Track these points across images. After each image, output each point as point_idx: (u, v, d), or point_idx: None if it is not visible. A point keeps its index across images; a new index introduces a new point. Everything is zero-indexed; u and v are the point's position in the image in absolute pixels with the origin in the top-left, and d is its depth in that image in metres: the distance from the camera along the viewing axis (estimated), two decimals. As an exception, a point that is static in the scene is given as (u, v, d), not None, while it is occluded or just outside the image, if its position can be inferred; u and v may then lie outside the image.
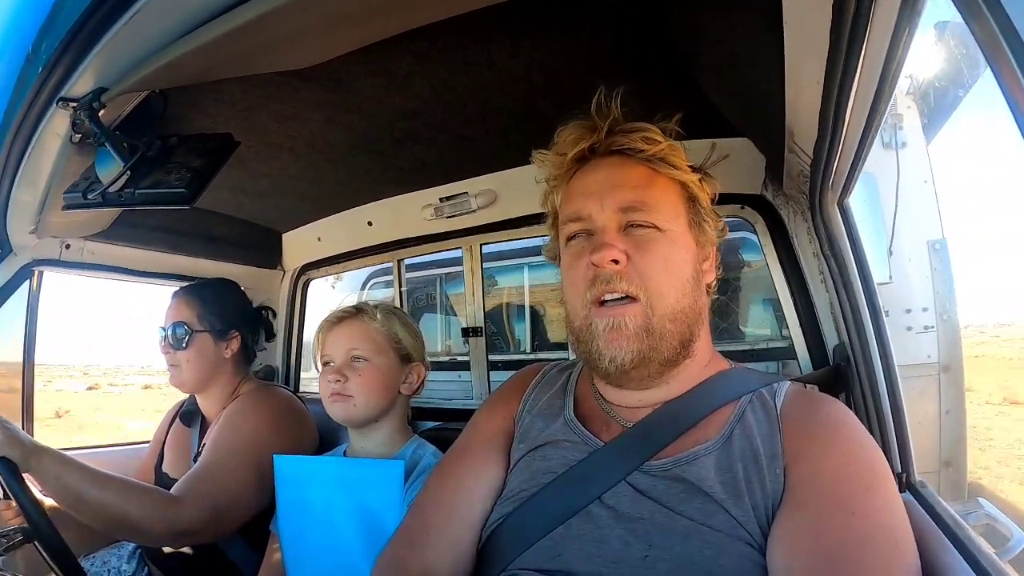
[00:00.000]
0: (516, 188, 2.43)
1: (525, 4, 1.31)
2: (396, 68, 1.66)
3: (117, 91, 1.39)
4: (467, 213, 2.58)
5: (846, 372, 1.75)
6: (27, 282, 2.59)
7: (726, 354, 1.45)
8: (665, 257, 1.27)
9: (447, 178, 2.52)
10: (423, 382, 1.96)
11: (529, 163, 2.18)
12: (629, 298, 1.23)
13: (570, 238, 1.34)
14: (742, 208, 2.07)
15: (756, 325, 3.34)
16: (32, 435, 2.59)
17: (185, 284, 2.43)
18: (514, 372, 1.68)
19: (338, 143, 2.14)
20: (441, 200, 2.60)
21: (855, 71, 1.04)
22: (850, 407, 1.34)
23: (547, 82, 1.74)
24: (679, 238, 1.30)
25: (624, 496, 1.22)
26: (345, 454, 1.96)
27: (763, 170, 1.97)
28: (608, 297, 1.24)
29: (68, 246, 2.54)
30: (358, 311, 1.91)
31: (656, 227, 1.27)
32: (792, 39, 1.14)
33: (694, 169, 1.37)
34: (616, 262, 1.23)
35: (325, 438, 2.31)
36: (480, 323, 2.87)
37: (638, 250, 1.25)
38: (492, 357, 2.96)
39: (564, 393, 1.49)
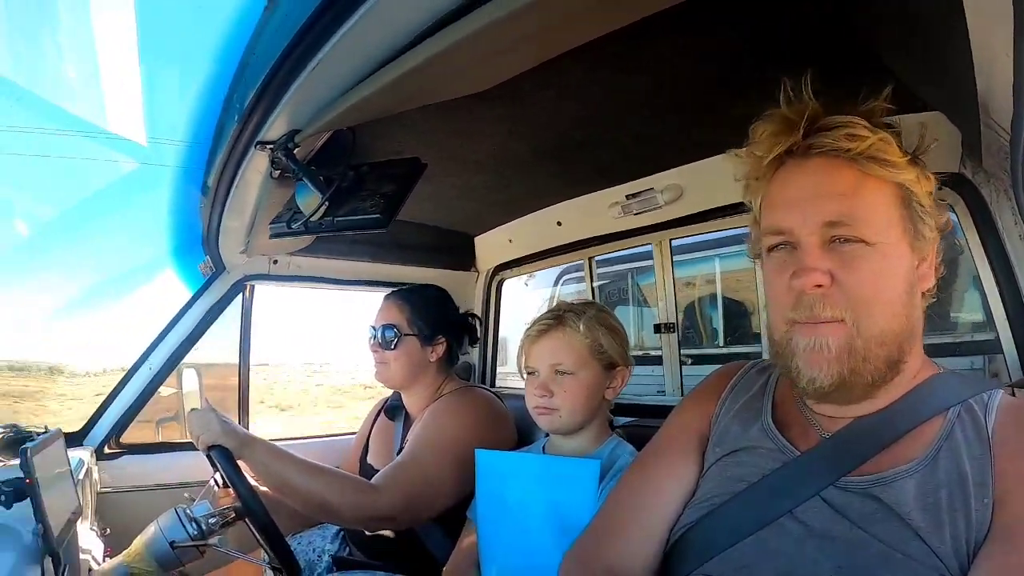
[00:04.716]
0: (702, 181, 2.34)
1: (691, 4, 1.27)
2: (568, 79, 1.66)
3: (309, 132, 1.48)
4: (654, 209, 2.52)
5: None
6: (240, 295, 2.92)
7: (924, 348, 1.29)
8: (875, 275, 1.14)
9: (631, 176, 2.47)
10: (627, 382, 1.93)
11: (713, 155, 2.12)
12: (834, 320, 1.12)
13: (771, 248, 1.23)
14: (940, 189, 1.90)
15: (958, 316, 3.08)
16: (248, 424, 2.95)
17: (395, 288, 2.52)
18: (712, 369, 1.59)
19: (520, 152, 2.16)
20: (627, 197, 2.55)
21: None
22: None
23: (721, 75, 1.67)
24: (891, 250, 1.16)
25: (817, 511, 1.15)
26: (544, 449, 1.97)
27: (960, 145, 1.81)
28: (811, 322, 1.14)
29: (276, 262, 2.77)
30: (560, 321, 1.87)
31: (864, 241, 1.13)
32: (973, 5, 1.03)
33: (911, 158, 1.20)
34: (820, 285, 1.12)
35: (524, 433, 2.34)
36: (672, 319, 2.81)
37: (844, 268, 1.13)
38: (685, 351, 2.90)
39: (763, 396, 1.40)
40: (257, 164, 1.68)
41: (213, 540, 1.86)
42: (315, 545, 2.45)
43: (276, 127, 1.48)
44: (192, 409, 2.01)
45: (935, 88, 1.60)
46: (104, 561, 1.96)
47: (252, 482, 1.87)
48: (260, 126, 1.49)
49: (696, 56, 1.58)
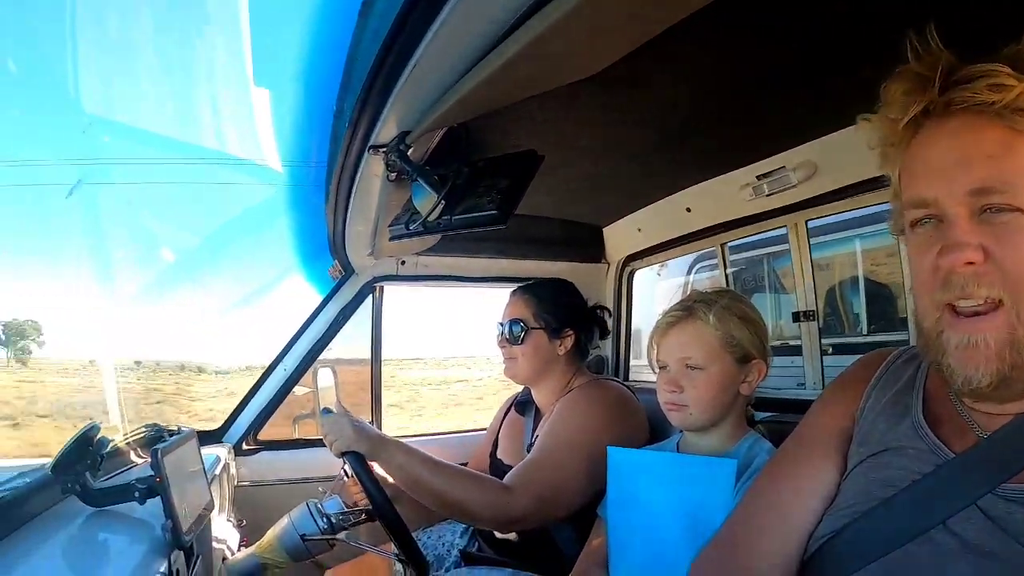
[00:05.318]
0: (838, 155, 2.15)
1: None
2: (682, 58, 1.58)
3: (419, 132, 1.48)
4: (787, 189, 2.37)
5: None
6: (370, 296, 3.04)
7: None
8: None
9: (761, 154, 2.33)
10: (764, 377, 1.84)
11: (848, 125, 1.96)
12: (990, 303, 0.97)
13: (914, 224, 1.08)
14: None
15: None
16: (381, 422, 3.10)
17: (520, 284, 2.53)
18: (855, 359, 1.45)
19: (642, 137, 2.10)
20: (758, 178, 2.42)
21: None
22: None
23: (852, 35, 1.51)
24: None
25: (973, 523, 1.01)
26: (678, 446, 1.91)
27: None
28: (963, 304, 0.99)
29: (403, 262, 2.85)
30: (690, 313, 1.80)
31: (1021, 210, 0.96)
32: None
33: None
34: (972, 263, 0.97)
35: (657, 428, 2.27)
36: (811, 306, 2.67)
37: (1000, 243, 0.97)
38: (826, 341, 2.74)
39: (912, 388, 1.24)
40: (373, 168, 1.71)
41: (342, 535, 1.96)
42: (445, 539, 2.48)
43: (386, 130, 1.49)
44: (324, 409, 2.07)
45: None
46: (239, 551, 2.10)
47: (381, 473, 1.95)
48: (370, 131, 1.50)
49: (818, 18, 1.45)
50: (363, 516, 1.99)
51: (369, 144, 1.55)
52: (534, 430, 2.41)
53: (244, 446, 2.92)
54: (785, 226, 2.64)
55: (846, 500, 1.19)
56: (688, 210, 2.78)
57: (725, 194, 2.57)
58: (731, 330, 1.75)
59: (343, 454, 1.92)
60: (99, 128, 2.46)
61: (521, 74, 1.25)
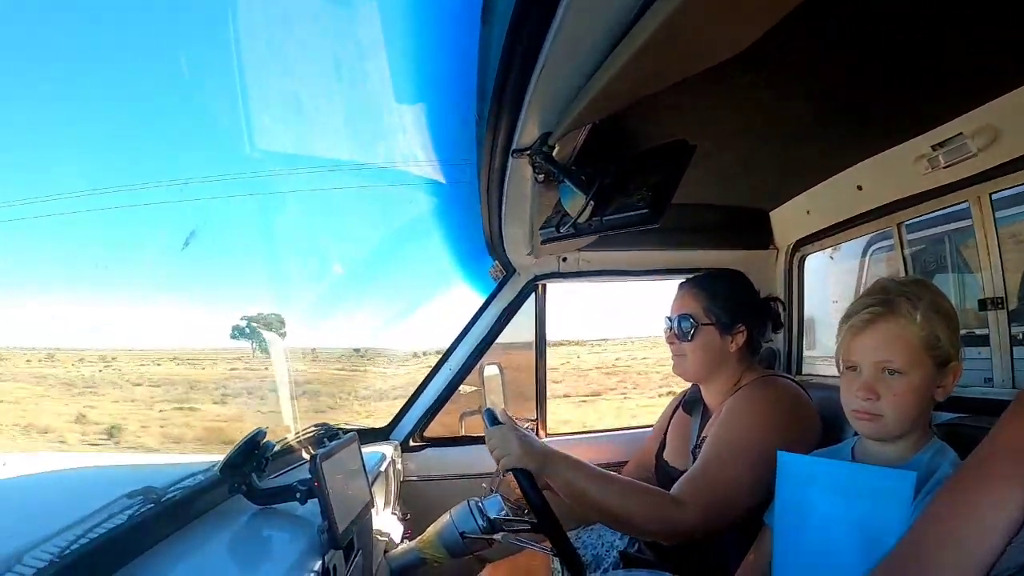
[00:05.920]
0: (1022, 115, 1.93)
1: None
2: (830, 22, 1.48)
3: (560, 132, 1.47)
4: (966, 159, 2.15)
5: None
6: (532, 294, 3.10)
7: None
8: None
9: (934, 121, 2.13)
10: (959, 379, 1.64)
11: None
12: None
13: None
14: None
15: None
16: (546, 418, 3.10)
17: (690, 276, 2.44)
18: None
19: (801, 114, 2.01)
20: (933, 148, 2.22)
21: None
22: None
23: None
24: None
25: None
26: (853, 451, 1.77)
27: None
28: None
29: (565, 259, 2.90)
30: (891, 308, 1.59)
31: None
32: None
33: None
34: None
35: (829, 429, 2.14)
36: (1000, 292, 2.42)
37: None
38: (1016, 328, 2.47)
39: None
40: (521, 171, 1.72)
41: (498, 536, 2.02)
42: (604, 539, 2.49)
43: (527, 133, 1.49)
44: (489, 417, 2.06)
45: None
46: (402, 543, 2.22)
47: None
48: (511, 135, 1.51)
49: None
50: (527, 528, 2.03)
51: (512, 148, 1.56)
52: (701, 430, 2.33)
53: (411, 443, 3.08)
54: (966, 201, 2.39)
55: None
56: (859, 188, 2.62)
57: (898, 169, 2.39)
58: (936, 330, 1.55)
59: (510, 470, 1.93)
60: (265, 156, 2.63)
61: (655, 63, 1.21)
